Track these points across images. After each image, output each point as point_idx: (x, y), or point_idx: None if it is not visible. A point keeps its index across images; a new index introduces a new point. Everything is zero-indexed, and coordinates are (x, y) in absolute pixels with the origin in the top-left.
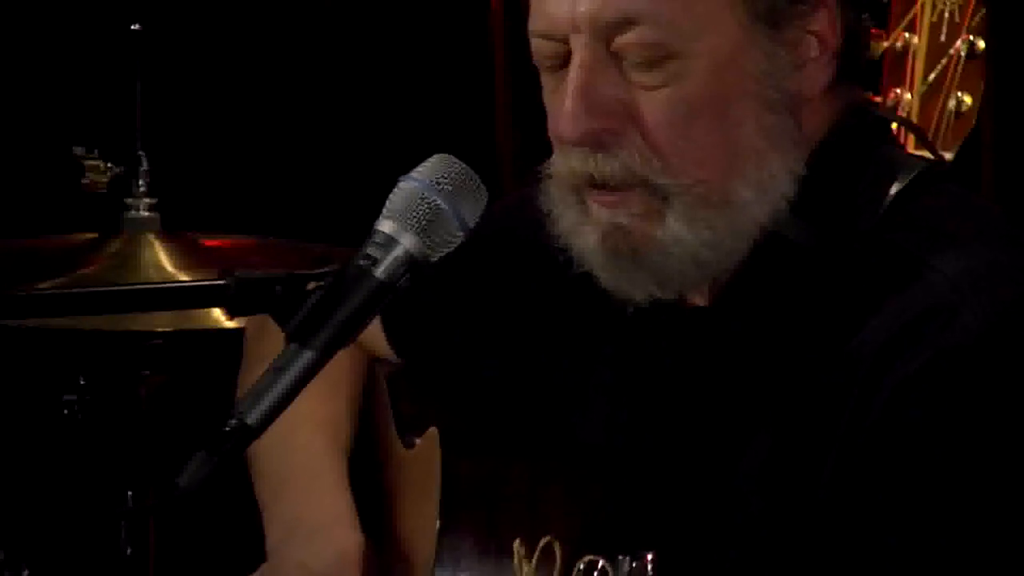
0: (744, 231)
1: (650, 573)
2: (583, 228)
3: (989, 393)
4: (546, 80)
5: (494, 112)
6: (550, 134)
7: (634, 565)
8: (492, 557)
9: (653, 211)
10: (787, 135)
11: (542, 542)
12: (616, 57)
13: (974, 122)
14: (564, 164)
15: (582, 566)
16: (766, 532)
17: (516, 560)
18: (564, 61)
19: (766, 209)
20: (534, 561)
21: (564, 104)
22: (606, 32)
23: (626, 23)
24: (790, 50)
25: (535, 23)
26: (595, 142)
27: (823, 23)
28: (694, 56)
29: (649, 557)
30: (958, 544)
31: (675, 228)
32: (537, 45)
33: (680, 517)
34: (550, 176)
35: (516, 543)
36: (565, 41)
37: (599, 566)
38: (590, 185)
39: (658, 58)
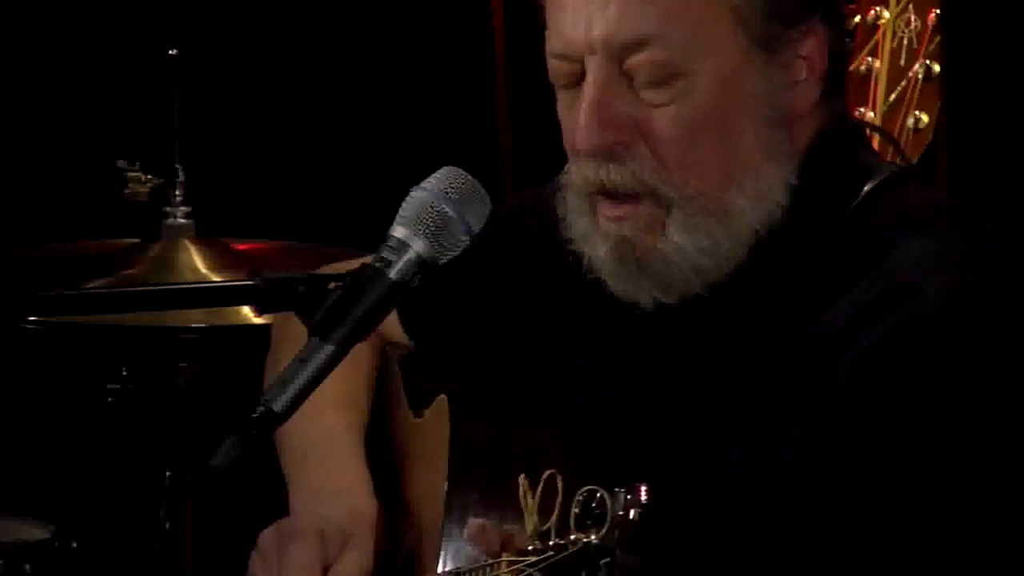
0: (740, 238)
1: (644, 502)
2: (594, 238)
3: (947, 360)
4: (562, 97)
5: (495, 117)
6: (566, 146)
7: (629, 497)
8: (497, 502)
9: (656, 223)
10: (781, 148)
11: (545, 474)
12: (627, 76)
13: (931, 138)
14: (579, 174)
15: (581, 497)
16: (742, 482)
17: (521, 491)
18: (579, 79)
19: (761, 216)
20: (538, 492)
21: (579, 119)
22: (619, 53)
23: (637, 45)
24: (783, 72)
25: (553, 45)
26: (607, 154)
27: (812, 48)
28: (699, 76)
29: (643, 489)
30: (911, 491)
31: (676, 238)
32: (554, 65)
33: (668, 471)
34: (566, 184)
35: (521, 477)
36: (580, 61)
37: (597, 496)
38: (601, 193)
39: (666, 77)
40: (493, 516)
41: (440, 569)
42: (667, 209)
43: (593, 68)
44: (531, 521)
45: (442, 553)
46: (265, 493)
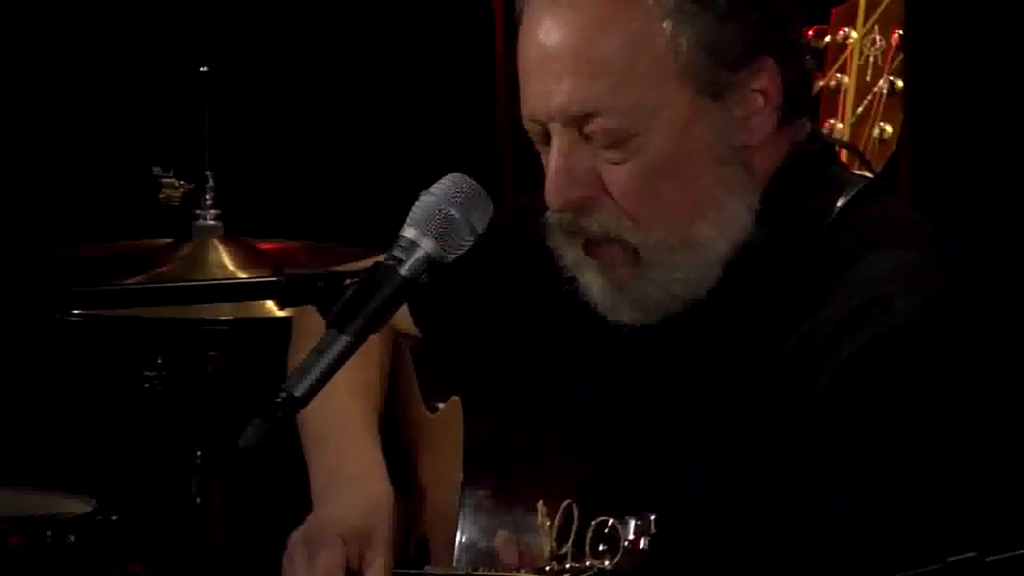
0: (711, 264)
1: (653, 531)
2: (580, 267)
3: (917, 372)
4: (540, 152)
5: (495, 124)
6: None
7: (639, 524)
8: (506, 506)
9: (629, 262)
10: (739, 180)
11: (564, 504)
12: (587, 138)
13: (894, 147)
14: (555, 219)
15: (595, 524)
16: (728, 479)
17: (539, 516)
18: (548, 139)
19: (728, 242)
20: (556, 519)
21: (548, 177)
22: (575, 122)
23: (589, 115)
24: (738, 109)
25: (524, 109)
26: (575, 207)
27: (765, 81)
28: (652, 132)
29: (652, 518)
30: (885, 495)
31: (650, 273)
32: (527, 125)
33: (661, 470)
34: (548, 225)
35: (540, 503)
36: (546, 125)
37: (610, 524)
38: (579, 237)
39: (620, 139)
40: (504, 513)
41: (455, 562)
42: (636, 252)
43: (556, 133)
44: (548, 543)
45: (456, 547)
46: (286, 470)
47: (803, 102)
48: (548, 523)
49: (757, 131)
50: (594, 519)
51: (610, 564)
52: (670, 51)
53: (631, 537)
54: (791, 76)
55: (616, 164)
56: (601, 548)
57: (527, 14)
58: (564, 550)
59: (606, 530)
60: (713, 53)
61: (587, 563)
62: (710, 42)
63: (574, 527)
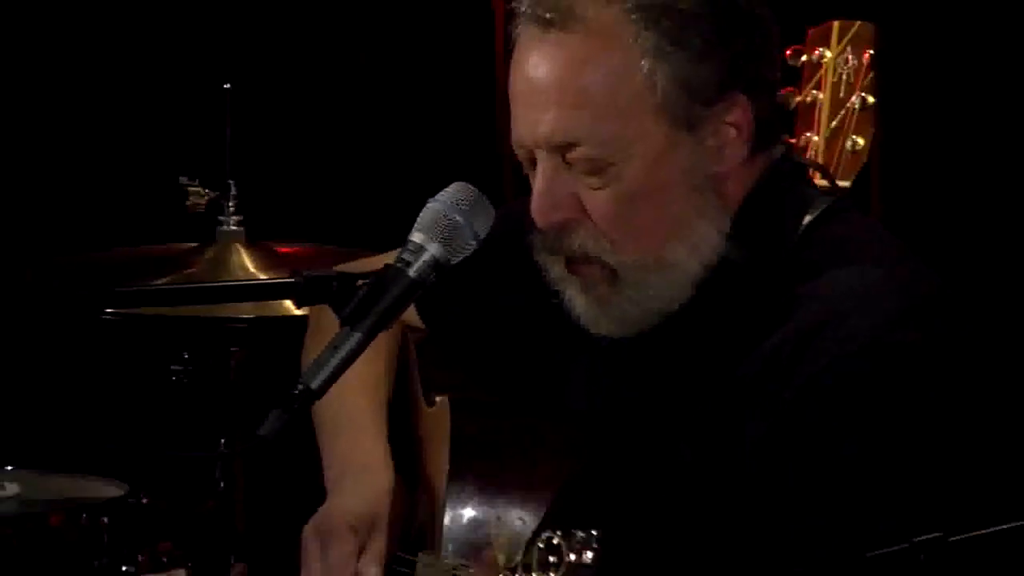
0: (683, 282)
1: (595, 547)
2: (565, 283)
3: (872, 387)
4: (528, 172)
5: (496, 133)
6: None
7: (583, 539)
8: (487, 500)
9: (608, 279)
10: (710, 205)
11: (515, 517)
12: (569, 165)
13: (866, 158)
14: (540, 239)
15: (543, 539)
16: (695, 478)
17: (490, 534)
18: (535, 163)
19: (699, 262)
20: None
21: (533, 200)
22: (559, 149)
23: (571, 144)
24: (710, 140)
25: (512, 135)
26: (557, 228)
27: (738, 115)
28: (629, 161)
29: (595, 533)
30: (849, 486)
31: (626, 291)
32: (515, 149)
33: (634, 469)
34: (536, 240)
35: (492, 519)
36: (532, 151)
37: (555, 539)
38: (561, 255)
39: (599, 167)
40: (487, 507)
41: (441, 550)
42: (614, 272)
43: (541, 159)
44: (501, 556)
45: (444, 536)
46: (301, 456)
47: (774, 132)
48: (501, 536)
49: (729, 160)
50: (542, 536)
51: None
52: (648, 87)
53: (575, 553)
54: (762, 110)
55: (596, 189)
56: (551, 560)
57: (517, 48)
58: (515, 563)
59: (554, 543)
60: (688, 89)
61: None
62: (685, 79)
63: (526, 540)
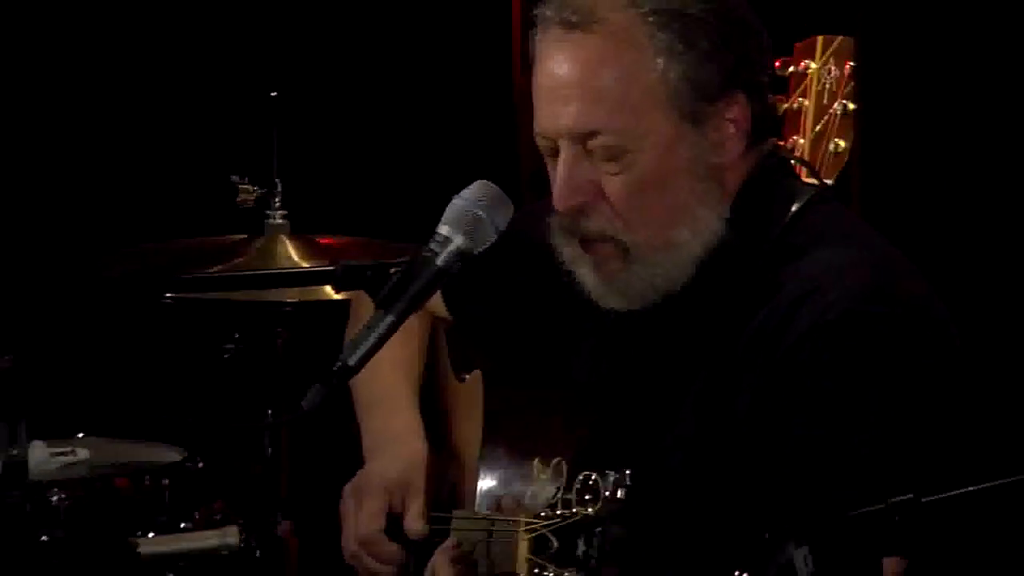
0: (686, 262)
1: (628, 484)
2: (576, 262)
3: (849, 350)
4: (548, 163)
5: (518, 139)
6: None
7: (617, 478)
8: (517, 462)
9: (619, 257)
10: (712, 193)
11: (554, 461)
12: (589, 152)
13: (847, 159)
14: (558, 222)
15: (581, 478)
16: (695, 441)
17: (536, 473)
18: (556, 152)
19: (701, 245)
20: (549, 472)
21: (555, 185)
22: (580, 138)
23: (592, 133)
24: (713, 135)
25: (535, 127)
26: (577, 211)
27: (737, 112)
28: (642, 151)
29: (628, 473)
30: (832, 443)
31: (635, 267)
32: (537, 141)
33: (642, 432)
34: (552, 226)
35: (536, 462)
36: (555, 141)
37: (593, 478)
38: (577, 238)
39: (616, 154)
40: (516, 467)
41: (476, 507)
42: (626, 249)
43: (563, 148)
44: (545, 494)
45: (477, 495)
46: (340, 427)
47: (766, 129)
48: (543, 477)
49: (728, 153)
50: (580, 474)
51: (592, 511)
52: (660, 84)
53: (610, 489)
54: (757, 109)
55: (613, 175)
56: (586, 497)
57: (541, 48)
58: (556, 499)
59: (590, 483)
60: (695, 87)
61: (574, 510)
62: (693, 78)
63: (563, 480)
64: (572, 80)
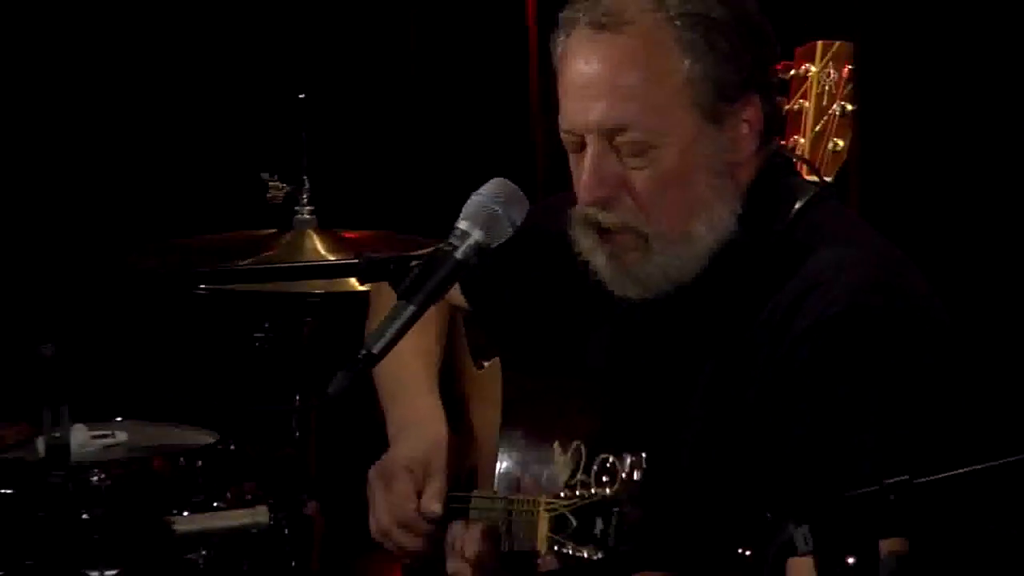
0: (700, 254)
1: (644, 464)
2: (595, 252)
3: (851, 342)
4: (571, 158)
5: (535, 141)
6: (575, 192)
7: (633, 461)
8: (535, 445)
9: (637, 247)
10: (727, 189)
11: (573, 444)
12: (615, 148)
13: (845, 157)
14: (581, 213)
15: (599, 460)
16: (704, 427)
17: (555, 455)
18: (582, 147)
19: (715, 238)
20: (568, 455)
21: (582, 178)
22: (608, 134)
23: (620, 129)
24: (729, 133)
25: (562, 123)
26: (602, 203)
27: (751, 113)
28: (665, 147)
29: (644, 456)
30: (833, 427)
31: (653, 258)
32: (564, 136)
33: (654, 418)
34: (574, 217)
35: (555, 444)
36: (582, 136)
37: (611, 460)
38: (597, 229)
39: (641, 150)
40: (531, 453)
41: (495, 488)
42: (645, 239)
43: (591, 143)
44: (563, 475)
45: (496, 476)
46: (364, 411)
47: (775, 129)
48: (562, 459)
49: (743, 151)
50: (598, 456)
51: (610, 491)
52: (685, 83)
53: (627, 471)
54: (769, 110)
55: (637, 170)
56: (604, 479)
57: (570, 48)
58: (574, 480)
59: (607, 464)
60: (716, 87)
61: (592, 491)
62: (715, 78)
63: (582, 462)
64: (602, 78)
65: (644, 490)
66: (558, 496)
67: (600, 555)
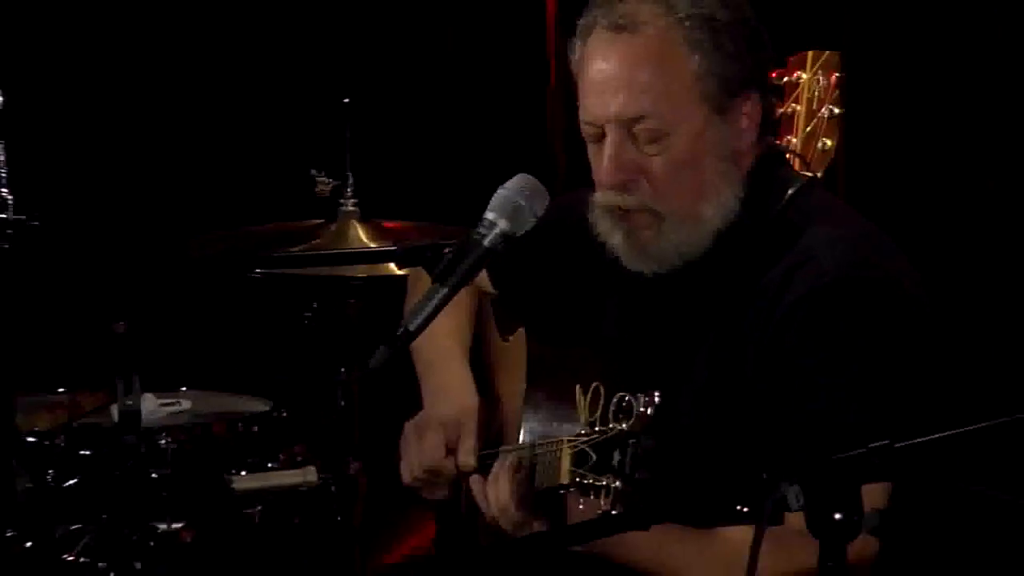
0: (707, 233)
1: (656, 403)
2: (612, 231)
3: (839, 312)
4: (591, 148)
5: (553, 139)
6: (594, 179)
7: (647, 399)
8: (556, 405)
9: (653, 226)
10: (732, 174)
11: (593, 385)
12: (633, 136)
13: (833, 155)
14: (602, 198)
15: (616, 399)
16: (708, 391)
17: (577, 397)
18: (601, 137)
19: (721, 219)
20: (588, 397)
21: (603, 164)
22: (627, 123)
23: (638, 118)
24: (732, 125)
25: (583, 115)
26: (621, 186)
27: (751, 107)
28: (678, 135)
29: (656, 393)
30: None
31: (666, 235)
32: (584, 128)
33: (661, 382)
34: (595, 202)
35: (577, 388)
36: (602, 127)
37: (627, 399)
38: (616, 209)
39: (657, 137)
40: (554, 412)
41: (520, 441)
42: (660, 218)
43: (611, 132)
44: (583, 416)
45: (521, 433)
46: (402, 382)
47: (770, 123)
48: (583, 401)
49: (744, 141)
50: (615, 396)
51: (627, 426)
52: (694, 78)
53: (641, 406)
54: (765, 105)
55: (653, 156)
56: (620, 416)
57: (591, 49)
58: (595, 418)
59: (624, 403)
60: (721, 82)
61: (610, 426)
62: (720, 74)
63: (600, 403)
64: (621, 74)
65: (658, 423)
66: (580, 435)
67: (618, 483)
